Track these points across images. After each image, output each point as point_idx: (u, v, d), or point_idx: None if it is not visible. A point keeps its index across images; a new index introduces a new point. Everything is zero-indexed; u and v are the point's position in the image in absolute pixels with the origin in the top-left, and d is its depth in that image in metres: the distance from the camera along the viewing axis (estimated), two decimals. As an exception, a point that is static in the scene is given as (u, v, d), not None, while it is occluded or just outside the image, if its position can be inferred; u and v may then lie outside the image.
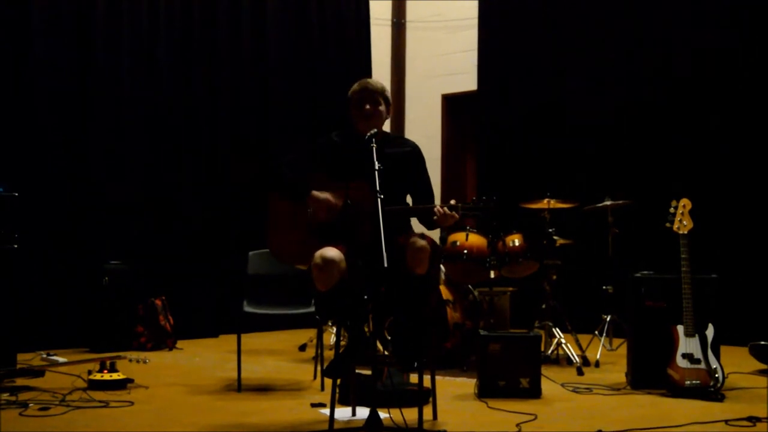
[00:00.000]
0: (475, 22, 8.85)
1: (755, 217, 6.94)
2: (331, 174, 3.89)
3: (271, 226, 3.94)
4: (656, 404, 4.33)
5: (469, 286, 5.92)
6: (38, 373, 4.76)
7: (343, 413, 3.99)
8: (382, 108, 3.98)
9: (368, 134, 3.69)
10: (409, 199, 4.12)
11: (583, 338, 6.03)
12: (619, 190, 6.59)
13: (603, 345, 6.08)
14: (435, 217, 3.72)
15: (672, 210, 4.68)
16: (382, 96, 3.98)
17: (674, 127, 7.38)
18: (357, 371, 3.96)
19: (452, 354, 5.51)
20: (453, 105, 9.62)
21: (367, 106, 3.93)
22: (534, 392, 4.50)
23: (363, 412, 3.70)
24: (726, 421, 3.81)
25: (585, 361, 5.61)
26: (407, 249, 3.66)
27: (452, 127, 9.66)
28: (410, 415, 3.56)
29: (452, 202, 3.75)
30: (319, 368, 4.91)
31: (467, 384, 4.81)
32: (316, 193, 3.82)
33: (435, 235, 5.33)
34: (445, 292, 5.67)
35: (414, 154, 4.08)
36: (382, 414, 3.33)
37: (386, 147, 3.93)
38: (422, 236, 3.73)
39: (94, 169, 6.88)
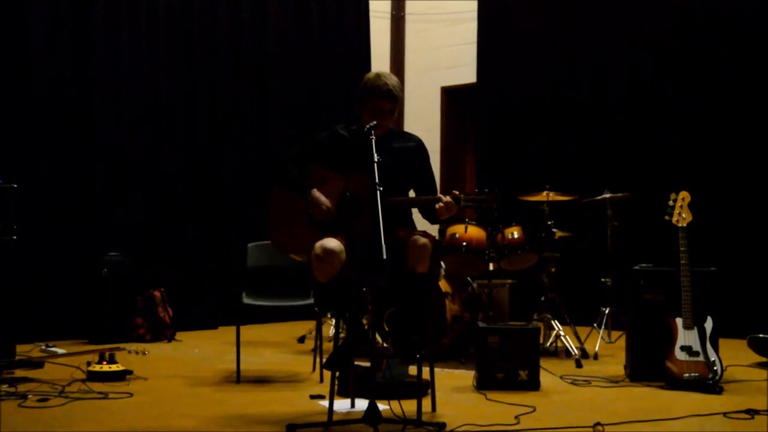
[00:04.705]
0: (475, 14, 8.85)
1: (754, 210, 6.95)
2: (334, 167, 3.89)
3: (272, 217, 3.94)
4: (655, 397, 4.34)
5: (468, 278, 5.92)
6: (37, 364, 4.76)
7: (342, 405, 4.00)
8: (395, 109, 3.93)
9: (368, 126, 3.68)
10: (411, 194, 4.11)
11: (582, 331, 6.04)
12: (619, 182, 6.59)
13: (602, 337, 6.10)
14: (438, 205, 3.71)
15: (671, 203, 4.69)
16: (397, 102, 3.91)
17: (674, 120, 7.39)
18: (356, 363, 3.96)
19: (451, 346, 5.52)
20: (452, 98, 9.61)
21: (384, 111, 3.85)
22: (532, 384, 4.50)
23: (362, 404, 3.71)
24: (724, 414, 3.81)
25: (584, 354, 5.62)
26: (408, 247, 3.66)
27: (452, 119, 9.65)
28: (409, 406, 3.57)
29: (455, 192, 3.75)
30: (318, 360, 4.92)
31: (466, 376, 4.82)
32: (316, 194, 3.81)
33: (434, 228, 5.34)
34: (444, 285, 5.67)
35: (418, 149, 4.06)
36: (381, 406, 3.33)
37: (391, 141, 3.93)
38: (423, 234, 3.73)
39: (93, 161, 6.88)
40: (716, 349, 4.51)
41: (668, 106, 7.44)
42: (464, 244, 5.70)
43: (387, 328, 5.18)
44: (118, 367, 4.66)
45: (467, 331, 5.57)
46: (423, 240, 3.67)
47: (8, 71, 6.37)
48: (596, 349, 5.75)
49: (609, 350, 5.93)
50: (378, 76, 3.92)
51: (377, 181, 3.41)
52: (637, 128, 7.58)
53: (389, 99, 3.87)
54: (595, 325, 6.26)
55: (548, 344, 5.77)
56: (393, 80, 3.92)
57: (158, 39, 7.37)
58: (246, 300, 5.01)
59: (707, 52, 7.24)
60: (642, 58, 7.63)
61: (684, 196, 4.67)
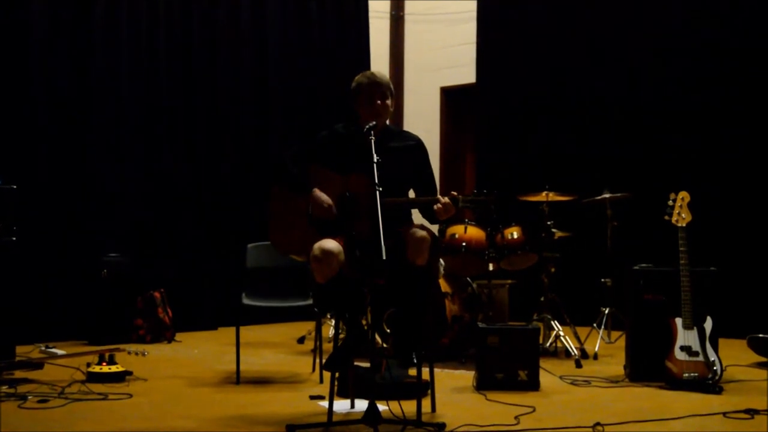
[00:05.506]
0: (474, 14, 8.84)
1: (754, 210, 6.95)
2: (334, 167, 3.90)
3: (272, 218, 3.95)
4: (654, 397, 4.34)
5: (468, 278, 5.92)
6: (37, 365, 4.76)
7: (341, 405, 4.00)
8: (389, 102, 4.00)
9: (367, 126, 3.69)
10: (411, 194, 4.12)
11: (582, 331, 6.03)
12: (618, 182, 6.58)
13: (601, 338, 6.09)
14: (437, 206, 3.72)
15: (671, 203, 4.68)
16: (389, 90, 3.99)
17: (674, 120, 7.38)
18: (355, 363, 3.96)
19: (451, 347, 5.52)
20: (452, 98, 9.61)
21: (378, 102, 3.94)
22: (532, 385, 4.50)
23: (362, 405, 3.71)
24: (724, 414, 3.81)
25: (583, 354, 5.62)
26: (407, 240, 3.67)
27: (451, 120, 9.65)
28: (409, 407, 3.57)
29: (453, 193, 3.76)
30: (317, 361, 4.92)
31: (466, 376, 4.81)
32: (318, 193, 3.83)
33: (434, 228, 5.34)
34: (443, 285, 5.67)
35: (417, 148, 4.08)
36: (381, 406, 3.33)
37: (390, 141, 3.94)
38: (422, 227, 3.74)
39: (94, 162, 6.88)
40: (716, 349, 4.50)
41: (668, 106, 7.43)
42: (464, 244, 5.70)
43: (387, 329, 5.18)
44: (117, 368, 4.66)
45: (467, 332, 5.56)
46: (422, 232, 3.68)
47: (8, 71, 6.37)
48: (596, 349, 5.74)
49: (609, 350, 5.92)
50: (364, 72, 4.07)
51: (377, 181, 3.41)
52: (637, 128, 7.57)
53: (376, 86, 3.94)
54: (594, 325, 6.25)
55: (548, 344, 5.76)
56: (379, 72, 4.08)
57: (158, 39, 7.37)
58: (246, 301, 5.01)
59: (707, 52, 7.23)
60: (642, 58, 7.62)
61: (683, 196, 4.67)
